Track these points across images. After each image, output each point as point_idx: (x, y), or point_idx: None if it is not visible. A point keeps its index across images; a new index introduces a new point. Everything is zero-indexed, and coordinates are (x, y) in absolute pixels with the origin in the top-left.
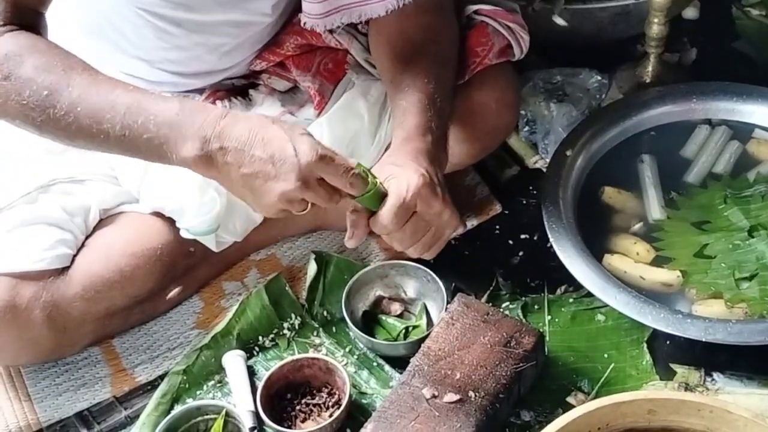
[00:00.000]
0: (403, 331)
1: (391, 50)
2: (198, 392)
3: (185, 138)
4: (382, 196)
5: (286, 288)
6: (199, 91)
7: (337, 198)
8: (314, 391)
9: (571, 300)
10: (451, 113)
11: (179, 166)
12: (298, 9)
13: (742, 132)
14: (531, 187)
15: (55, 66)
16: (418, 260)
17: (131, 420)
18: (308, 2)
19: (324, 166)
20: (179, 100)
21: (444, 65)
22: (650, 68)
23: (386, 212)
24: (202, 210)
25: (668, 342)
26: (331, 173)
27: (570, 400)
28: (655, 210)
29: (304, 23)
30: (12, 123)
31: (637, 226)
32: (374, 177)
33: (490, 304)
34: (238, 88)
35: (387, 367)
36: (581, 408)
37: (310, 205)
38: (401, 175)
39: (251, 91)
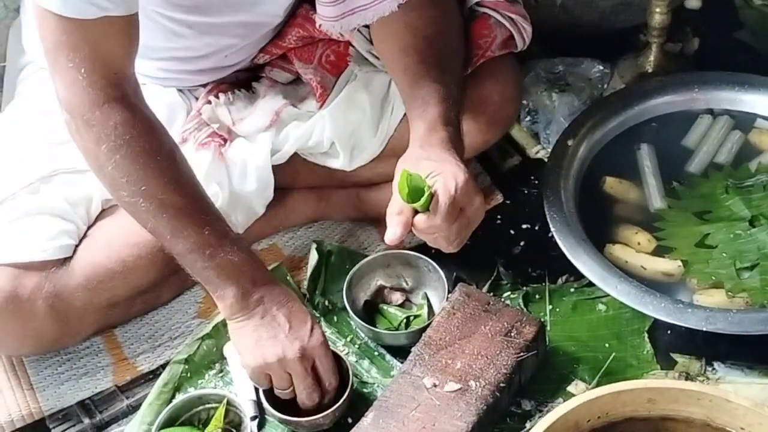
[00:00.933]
0: (405, 320)
1: (400, 42)
2: (199, 381)
3: (234, 282)
4: (431, 199)
5: (288, 277)
6: (203, 84)
7: (313, 396)
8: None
9: (572, 290)
10: (464, 103)
11: (214, 299)
12: (301, 1)
13: (744, 122)
14: (532, 177)
15: (161, 172)
16: (419, 249)
17: (133, 409)
18: (323, 5)
19: (326, 352)
20: (247, 251)
21: (453, 57)
22: (652, 58)
23: (441, 213)
24: None
25: (669, 332)
26: (326, 363)
27: (571, 389)
28: (656, 199)
29: (320, 25)
30: (104, 182)
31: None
32: (424, 181)
33: (492, 293)
34: (241, 81)
35: (388, 357)
36: (581, 397)
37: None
38: (445, 171)
39: (254, 84)
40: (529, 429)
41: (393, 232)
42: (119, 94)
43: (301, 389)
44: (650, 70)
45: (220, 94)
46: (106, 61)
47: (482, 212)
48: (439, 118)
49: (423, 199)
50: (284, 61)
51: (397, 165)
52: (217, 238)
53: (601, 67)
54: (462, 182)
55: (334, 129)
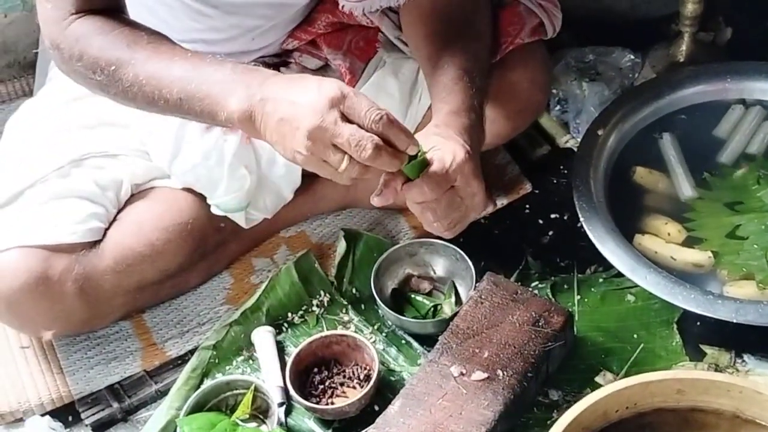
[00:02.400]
0: (432, 309)
1: (427, 28)
2: (227, 367)
3: (234, 92)
4: (423, 167)
5: (316, 265)
6: None
7: (368, 145)
8: (343, 368)
9: (600, 280)
10: (487, 92)
11: (226, 124)
12: None
13: None
14: (562, 167)
15: (119, 43)
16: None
17: (161, 394)
18: None
19: (346, 101)
20: (233, 63)
21: (480, 43)
22: (684, 47)
23: (428, 179)
24: (232, 187)
25: (698, 323)
26: (354, 109)
27: (598, 380)
28: (685, 188)
29: (342, 6)
30: (100, 95)
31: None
32: (420, 146)
33: (520, 283)
34: (269, 67)
35: (415, 345)
36: (609, 387)
37: (346, 159)
38: (446, 147)
39: (282, 69)
40: (557, 419)
41: (377, 191)
42: (84, 10)
43: (350, 145)
44: (682, 60)
45: None
46: None
47: (480, 203)
48: (462, 105)
49: (413, 164)
50: (313, 47)
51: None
52: (203, 59)
53: (632, 57)
54: (461, 159)
55: None
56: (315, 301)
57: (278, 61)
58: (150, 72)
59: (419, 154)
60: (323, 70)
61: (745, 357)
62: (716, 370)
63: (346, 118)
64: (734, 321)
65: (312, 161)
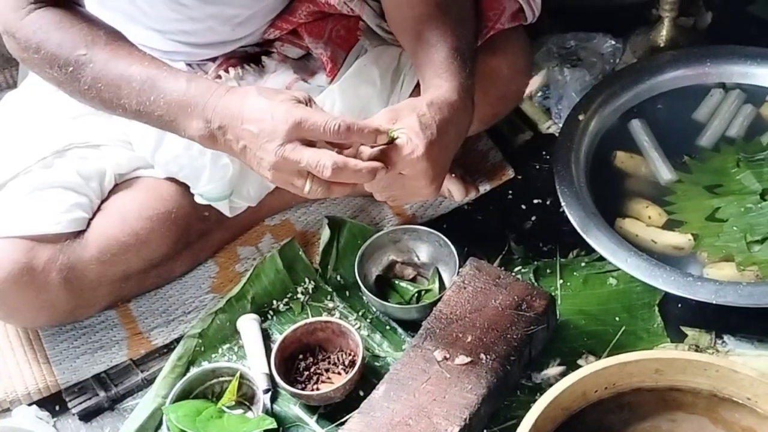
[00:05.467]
0: (416, 294)
1: (413, 11)
2: (213, 355)
3: (191, 117)
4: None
5: (300, 253)
6: (213, 59)
7: (335, 163)
8: (328, 354)
9: (583, 264)
10: (476, 74)
11: (190, 140)
12: None
13: (755, 95)
14: (544, 152)
15: (78, 42)
16: (431, 225)
17: (148, 382)
18: None
19: (301, 128)
20: (187, 78)
21: (466, 27)
22: (664, 32)
23: (373, 153)
24: (215, 176)
25: (679, 305)
26: (312, 130)
27: (581, 362)
28: (663, 172)
29: None
30: (56, 88)
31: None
32: (390, 130)
33: (503, 268)
34: (251, 56)
35: (399, 331)
36: (588, 367)
37: (308, 182)
38: (413, 137)
39: (264, 59)
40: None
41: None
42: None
43: (312, 167)
44: (662, 45)
45: (230, 69)
46: None
47: (426, 194)
48: (457, 83)
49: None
50: (295, 36)
51: (403, 102)
52: (159, 71)
53: (613, 42)
54: (414, 157)
55: (345, 103)
56: (300, 289)
57: (260, 50)
58: (108, 79)
59: (388, 134)
60: (305, 59)
61: (725, 338)
62: (697, 351)
63: (305, 141)
64: (714, 302)
65: (279, 184)
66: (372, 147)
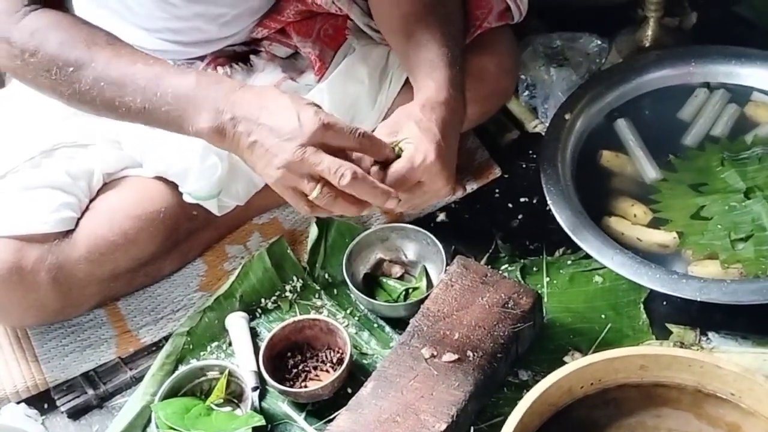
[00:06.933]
0: (403, 292)
1: (400, 10)
2: (201, 353)
3: (200, 109)
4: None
5: (288, 251)
6: (201, 58)
7: (347, 174)
8: (316, 352)
9: (569, 262)
10: (465, 72)
11: (195, 137)
12: None
13: (740, 95)
14: (530, 151)
15: (79, 42)
16: (418, 223)
17: (136, 380)
18: None
19: (327, 132)
20: (197, 73)
21: (454, 25)
22: (650, 32)
23: (392, 175)
24: (204, 174)
25: (664, 302)
26: (337, 138)
27: (567, 359)
28: (648, 170)
29: None
30: (45, 95)
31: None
32: (395, 142)
33: (490, 266)
34: (239, 55)
35: (387, 328)
36: (574, 364)
37: (318, 187)
38: (420, 143)
39: (252, 58)
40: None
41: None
42: (39, 2)
43: (330, 172)
44: (648, 45)
45: (218, 68)
46: None
47: (446, 192)
48: (448, 81)
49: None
50: (283, 35)
51: (396, 113)
52: (165, 68)
53: (599, 42)
54: (429, 161)
55: (333, 101)
56: (288, 287)
57: (248, 49)
58: (112, 77)
59: (395, 149)
60: (293, 57)
61: (710, 335)
62: (682, 348)
63: (324, 146)
64: (698, 300)
65: (279, 187)
66: (375, 163)
